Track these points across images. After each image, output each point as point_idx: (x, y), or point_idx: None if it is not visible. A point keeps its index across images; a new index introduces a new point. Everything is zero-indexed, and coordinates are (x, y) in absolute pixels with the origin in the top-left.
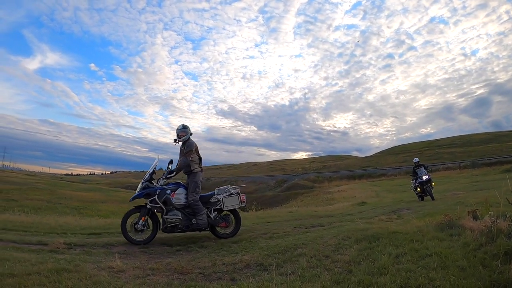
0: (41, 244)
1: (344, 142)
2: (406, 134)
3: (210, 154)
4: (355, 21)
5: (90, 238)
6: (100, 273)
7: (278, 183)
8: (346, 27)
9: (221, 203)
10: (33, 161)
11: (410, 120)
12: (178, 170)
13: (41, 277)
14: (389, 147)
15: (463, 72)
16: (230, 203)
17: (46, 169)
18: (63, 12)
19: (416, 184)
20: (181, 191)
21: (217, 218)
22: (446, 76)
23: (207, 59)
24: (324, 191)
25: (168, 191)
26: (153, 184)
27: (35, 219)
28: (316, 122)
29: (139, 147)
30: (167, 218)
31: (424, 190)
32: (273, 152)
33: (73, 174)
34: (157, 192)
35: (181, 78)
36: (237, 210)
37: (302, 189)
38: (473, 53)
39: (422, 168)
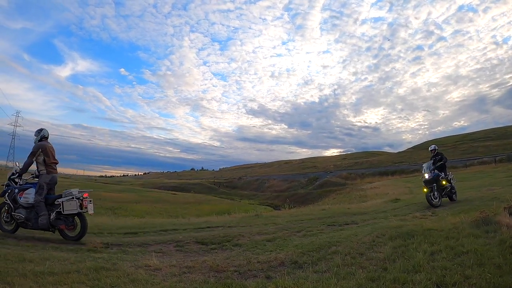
0: (79, 244)
1: (375, 138)
2: (439, 128)
3: (241, 153)
4: (381, 14)
5: (126, 237)
6: (138, 271)
7: (310, 181)
8: (373, 20)
9: (61, 206)
10: (68, 164)
11: (443, 113)
12: (22, 171)
13: (80, 275)
14: (422, 141)
15: (495, 62)
16: (69, 208)
17: (80, 172)
18: (91, 20)
19: (422, 184)
20: (30, 191)
21: (56, 220)
22: (478, 66)
23: (235, 59)
24: (357, 188)
25: (16, 190)
26: (12, 183)
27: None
28: (347, 118)
29: (171, 148)
30: (13, 214)
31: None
32: (304, 150)
33: (107, 175)
34: (8, 191)
35: (210, 79)
36: (84, 214)
37: (334, 186)
38: (505, 41)
39: (430, 162)
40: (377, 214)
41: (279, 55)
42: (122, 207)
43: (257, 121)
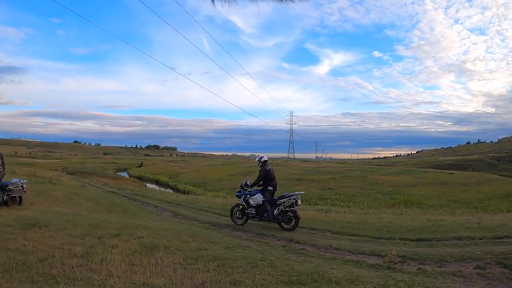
0: (375, 255)
1: None
2: None
3: None
4: None
5: (420, 247)
6: None
7: None
8: None
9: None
10: (341, 149)
11: None
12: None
13: None
14: None
15: None
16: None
17: (354, 156)
18: (330, 17)
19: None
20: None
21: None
22: None
23: (487, 6)
24: None
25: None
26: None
27: (360, 218)
28: None
29: (441, 122)
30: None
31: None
32: None
33: (380, 157)
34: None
35: (467, 37)
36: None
37: None
38: None
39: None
40: None
41: None
42: (398, 191)
43: None
